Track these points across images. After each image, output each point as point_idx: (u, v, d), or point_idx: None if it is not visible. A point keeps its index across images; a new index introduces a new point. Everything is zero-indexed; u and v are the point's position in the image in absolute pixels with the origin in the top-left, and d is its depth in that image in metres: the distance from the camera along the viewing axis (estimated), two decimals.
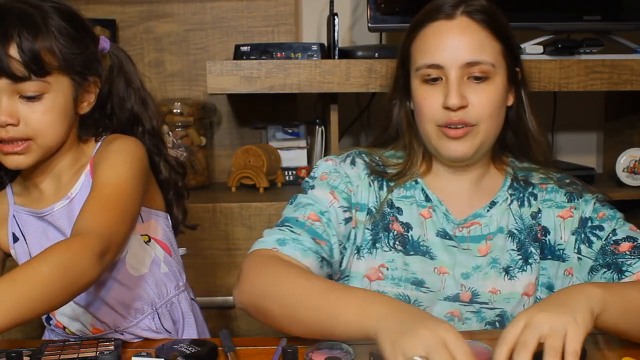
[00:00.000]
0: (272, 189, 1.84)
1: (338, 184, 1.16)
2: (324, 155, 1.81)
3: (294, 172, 1.93)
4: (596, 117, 2.17)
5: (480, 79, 1.10)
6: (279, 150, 1.90)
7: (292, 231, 1.07)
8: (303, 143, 1.94)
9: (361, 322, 0.88)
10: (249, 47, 1.67)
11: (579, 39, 1.69)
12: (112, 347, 0.96)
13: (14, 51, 0.97)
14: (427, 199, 1.18)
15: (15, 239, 1.12)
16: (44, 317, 1.16)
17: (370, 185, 1.18)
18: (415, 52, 1.14)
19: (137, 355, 0.91)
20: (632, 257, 1.07)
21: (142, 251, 1.16)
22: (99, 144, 1.12)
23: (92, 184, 1.04)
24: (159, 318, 1.18)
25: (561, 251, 1.16)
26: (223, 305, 1.71)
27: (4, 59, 0.96)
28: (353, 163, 1.19)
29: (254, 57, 1.65)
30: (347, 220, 1.14)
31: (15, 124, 0.99)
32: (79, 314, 1.14)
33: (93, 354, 0.93)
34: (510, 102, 1.17)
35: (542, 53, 1.67)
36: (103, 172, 1.04)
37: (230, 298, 1.59)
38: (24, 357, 0.92)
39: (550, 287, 1.16)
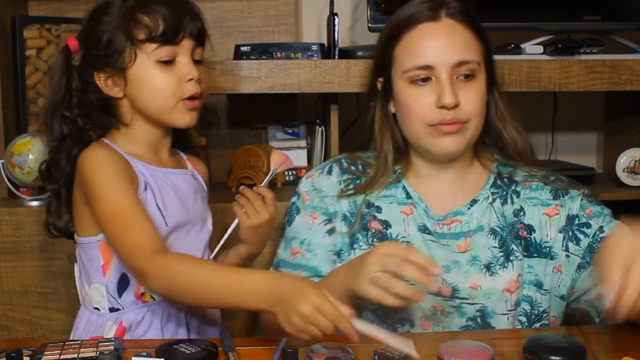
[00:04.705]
0: (272, 189, 1.83)
1: (316, 202, 1.24)
2: (324, 155, 1.81)
3: (294, 172, 1.92)
4: (596, 117, 2.17)
5: (468, 77, 1.13)
6: (279, 151, 1.90)
7: None
8: (303, 143, 1.94)
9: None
10: (249, 47, 1.66)
11: (579, 39, 1.69)
12: (112, 347, 0.96)
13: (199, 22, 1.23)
14: (408, 196, 1.20)
15: (145, 187, 1.15)
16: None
17: (343, 191, 1.22)
18: (400, 56, 1.16)
19: (137, 355, 0.91)
20: None
21: None
22: None
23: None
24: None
25: (548, 249, 1.17)
26: None
27: (195, 24, 1.23)
28: (329, 172, 1.26)
29: (254, 57, 1.65)
30: (331, 232, 1.21)
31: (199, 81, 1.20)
32: None
33: (93, 354, 0.93)
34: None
35: (542, 53, 1.67)
36: None
37: None
38: (24, 357, 0.92)
39: (538, 285, 1.17)
